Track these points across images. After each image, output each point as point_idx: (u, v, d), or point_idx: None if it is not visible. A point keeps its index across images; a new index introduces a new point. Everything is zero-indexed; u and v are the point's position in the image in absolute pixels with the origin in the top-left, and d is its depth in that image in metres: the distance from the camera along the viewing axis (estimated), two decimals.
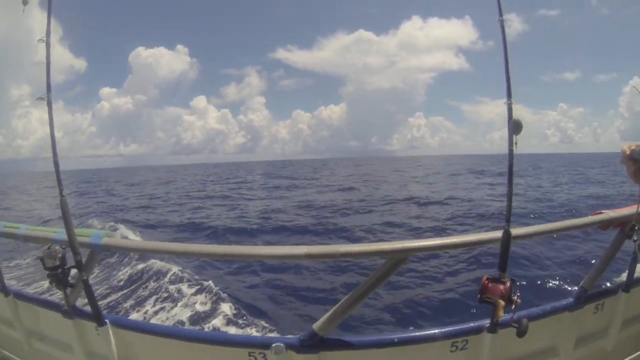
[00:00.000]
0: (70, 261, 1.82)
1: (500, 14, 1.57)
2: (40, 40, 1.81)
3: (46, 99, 1.76)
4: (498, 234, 1.54)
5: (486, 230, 1.68)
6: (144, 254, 7.06)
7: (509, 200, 1.53)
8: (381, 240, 9.32)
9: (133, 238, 10.47)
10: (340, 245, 1.47)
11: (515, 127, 1.50)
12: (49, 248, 1.80)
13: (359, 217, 13.23)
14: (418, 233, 10.66)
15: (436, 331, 1.63)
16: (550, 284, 5.90)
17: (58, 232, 1.95)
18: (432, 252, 1.49)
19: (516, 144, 1.50)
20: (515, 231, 1.55)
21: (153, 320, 5.24)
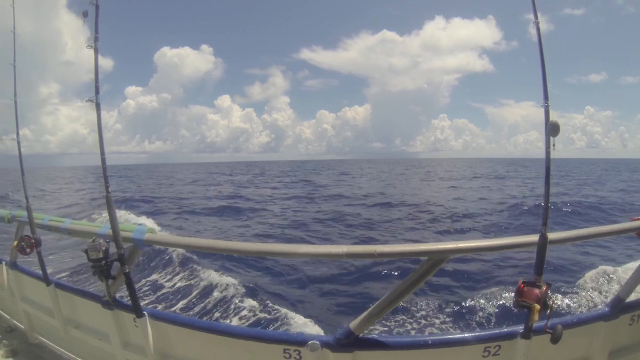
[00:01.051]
0: (113, 254, 1.92)
1: (536, 16, 1.56)
2: (88, 46, 1.92)
3: (94, 101, 1.86)
4: (534, 237, 1.53)
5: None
6: (185, 250, 7.21)
7: (546, 203, 1.51)
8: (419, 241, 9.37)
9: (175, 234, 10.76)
10: (379, 245, 1.49)
11: (552, 129, 1.48)
12: (93, 241, 1.90)
13: None
14: None
15: (469, 335, 1.63)
16: (585, 291, 5.73)
17: (102, 226, 2.06)
18: (469, 254, 1.49)
19: (554, 146, 1.49)
20: (552, 235, 1.53)
21: (189, 315, 5.35)
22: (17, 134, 2.44)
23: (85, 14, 1.93)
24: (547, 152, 1.49)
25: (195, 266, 7.19)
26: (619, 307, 1.82)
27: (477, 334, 1.65)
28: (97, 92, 1.86)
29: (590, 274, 6.35)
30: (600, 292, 5.69)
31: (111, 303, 2.03)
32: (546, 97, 1.51)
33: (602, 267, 6.59)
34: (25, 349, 2.73)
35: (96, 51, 1.91)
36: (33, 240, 2.41)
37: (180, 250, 7.60)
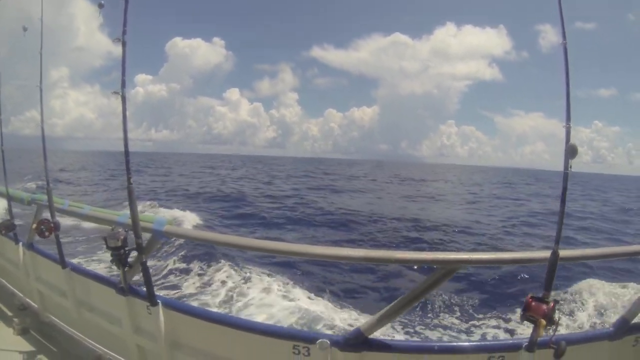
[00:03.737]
0: (131, 243, 1.97)
1: (564, 37, 1.57)
2: (116, 39, 1.95)
3: (120, 94, 1.90)
4: (546, 253, 1.55)
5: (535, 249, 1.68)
6: (203, 244, 7.26)
7: (560, 221, 1.53)
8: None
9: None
10: (396, 252, 1.53)
11: (571, 151, 1.51)
12: (112, 229, 1.96)
13: None
14: None
15: (474, 344, 1.67)
16: (591, 310, 5.76)
17: (121, 215, 2.12)
18: (482, 265, 1.51)
19: (571, 167, 1.51)
20: (563, 252, 1.55)
21: (202, 306, 5.43)
22: (42, 120, 2.49)
23: (101, 6, 1.97)
24: (565, 173, 1.51)
25: (212, 258, 7.31)
26: (624, 327, 1.83)
27: (482, 343, 1.69)
28: (123, 85, 1.90)
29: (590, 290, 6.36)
30: (604, 310, 5.70)
31: (126, 290, 2.09)
32: (569, 119, 1.53)
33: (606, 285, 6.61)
34: (37, 327, 2.82)
35: (124, 45, 1.94)
36: (52, 224, 2.47)
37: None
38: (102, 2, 1.99)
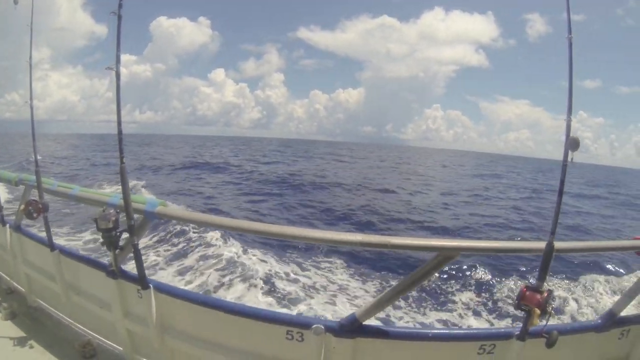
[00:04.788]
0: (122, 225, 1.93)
1: (570, 32, 1.55)
2: (111, 13, 1.88)
3: (115, 69, 1.83)
4: (541, 244, 1.57)
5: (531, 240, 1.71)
6: (196, 226, 7.20)
7: (556, 213, 1.55)
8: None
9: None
10: (393, 237, 1.52)
11: (572, 144, 1.51)
12: (103, 211, 1.91)
13: None
14: None
15: (468, 331, 1.69)
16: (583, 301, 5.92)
17: (112, 196, 2.06)
18: (478, 253, 1.53)
19: (572, 159, 1.51)
20: (558, 244, 1.57)
21: (194, 290, 5.41)
22: (31, 98, 2.40)
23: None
24: (564, 166, 1.52)
25: (205, 241, 7.26)
26: (611, 320, 1.88)
27: (475, 331, 1.70)
28: (118, 61, 1.84)
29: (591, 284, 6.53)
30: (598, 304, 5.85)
31: (117, 273, 2.04)
32: (570, 112, 1.52)
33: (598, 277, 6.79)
34: (24, 312, 2.76)
35: (119, 18, 1.87)
36: (41, 205, 2.40)
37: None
38: None
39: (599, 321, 1.90)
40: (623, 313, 1.91)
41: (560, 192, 1.55)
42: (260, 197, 14.57)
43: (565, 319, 5.16)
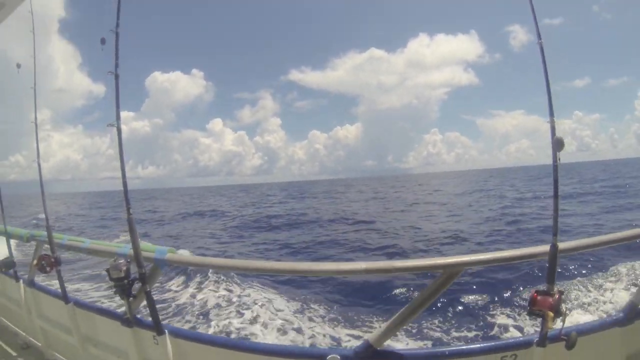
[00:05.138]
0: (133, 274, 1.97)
1: (539, 37, 1.64)
2: (109, 72, 2.00)
3: (116, 125, 1.93)
4: (545, 247, 1.57)
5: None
6: (206, 269, 7.21)
7: (555, 214, 1.56)
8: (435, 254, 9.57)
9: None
10: (395, 261, 1.54)
11: (557, 144, 1.55)
12: (115, 261, 1.96)
13: None
14: None
15: (485, 345, 1.66)
16: (600, 297, 5.77)
17: (122, 246, 2.11)
18: (483, 266, 1.51)
19: (559, 159, 1.55)
20: (562, 245, 1.58)
21: (209, 332, 5.36)
22: (38, 156, 2.51)
23: (103, 42, 2.01)
24: (555, 166, 1.54)
25: (215, 282, 7.24)
26: (633, 312, 1.82)
27: (493, 343, 1.68)
28: (118, 117, 1.94)
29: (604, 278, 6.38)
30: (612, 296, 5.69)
31: (132, 321, 2.06)
32: (552, 114, 1.58)
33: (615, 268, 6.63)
34: None
35: (117, 77, 1.99)
36: (53, 259, 2.46)
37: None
38: (104, 37, 1.98)
39: (622, 314, 1.84)
40: None
41: (556, 194, 1.57)
42: (230, 239, 15.04)
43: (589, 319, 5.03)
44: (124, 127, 1.87)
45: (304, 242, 12.78)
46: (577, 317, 4.94)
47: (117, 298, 2.03)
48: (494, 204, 20.80)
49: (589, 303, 5.60)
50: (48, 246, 2.53)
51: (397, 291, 6.71)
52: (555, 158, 1.55)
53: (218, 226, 19.04)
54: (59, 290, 2.53)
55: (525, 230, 12.35)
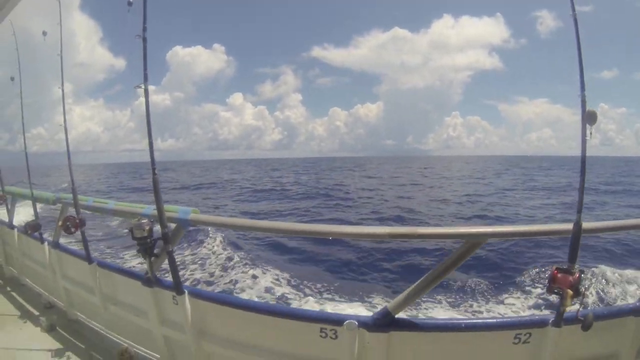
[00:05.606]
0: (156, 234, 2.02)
1: (573, 9, 1.58)
2: (137, 36, 2.02)
3: (143, 87, 1.96)
4: (569, 225, 1.55)
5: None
6: (229, 230, 7.47)
7: (581, 192, 1.53)
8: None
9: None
10: (419, 227, 1.54)
11: (589, 117, 1.50)
12: (138, 220, 2.01)
13: None
14: None
15: (501, 320, 1.66)
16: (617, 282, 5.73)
17: (146, 207, 2.17)
18: (506, 239, 1.49)
19: (591, 134, 1.50)
20: (586, 225, 1.54)
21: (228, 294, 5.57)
22: (65, 120, 2.58)
23: (129, 4, 2.03)
24: (584, 141, 1.49)
25: (235, 248, 7.55)
26: None
27: (508, 319, 1.68)
28: (145, 79, 1.97)
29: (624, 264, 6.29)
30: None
31: (152, 280, 2.12)
32: (583, 87, 1.53)
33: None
34: (64, 325, 2.89)
35: (144, 40, 2.01)
36: (78, 220, 2.54)
37: (222, 233, 8.04)
38: (131, 0, 1.99)
39: (638, 304, 1.79)
40: None
41: (583, 170, 1.53)
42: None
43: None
44: (143, 101, 1.90)
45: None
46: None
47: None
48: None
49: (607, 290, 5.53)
50: (73, 209, 2.62)
51: (417, 260, 6.78)
52: (584, 132, 1.50)
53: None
54: (83, 251, 2.62)
55: None
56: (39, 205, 3.25)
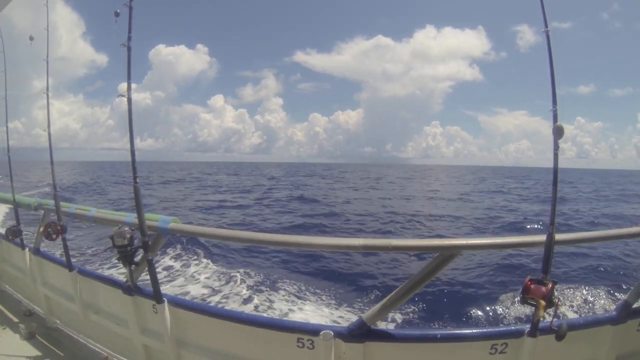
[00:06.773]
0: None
1: (546, 25, 1.63)
2: (122, 45, 2.03)
3: (126, 96, 1.97)
4: (542, 237, 1.57)
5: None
6: (208, 240, 7.48)
7: (554, 204, 1.56)
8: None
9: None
10: (393, 239, 1.56)
11: (557, 131, 1.55)
12: (119, 228, 2.00)
13: None
14: None
15: (477, 331, 1.66)
16: (592, 293, 5.79)
17: (127, 215, 2.16)
18: (479, 251, 1.50)
19: (559, 148, 1.54)
20: (559, 236, 1.57)
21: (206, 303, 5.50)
22: (49, 125, 2.56)
23: (116, 14, 2.04)
24: (555, 154, 1.53)
25: (212, 257, 7.53)
26: (626, 311, 1.81)
27: (484, 330, 1.69)
28: (129, 88, 1.98)
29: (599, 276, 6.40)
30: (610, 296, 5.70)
31: (132, 289, 2.11)
32: (555, 102, 1.57)
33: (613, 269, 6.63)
34: (43, 333, 2.83)
35: (129, 50, 2.02)
36: (59, 227, 2.51)
37: (200, 241, 8.00)
38: (119, 11, 2.00)
39: (614, 313, 1.83)
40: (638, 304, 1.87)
41: (555, 183, 1.57)
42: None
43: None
44: (123, 99, 1.91)
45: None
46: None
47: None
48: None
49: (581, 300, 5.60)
50: (55, 215, 2.59)
51: (392, 271, 6.83)
52: (556, 146, 1.54)
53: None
54: (63, 258, 2.59)
55: None
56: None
